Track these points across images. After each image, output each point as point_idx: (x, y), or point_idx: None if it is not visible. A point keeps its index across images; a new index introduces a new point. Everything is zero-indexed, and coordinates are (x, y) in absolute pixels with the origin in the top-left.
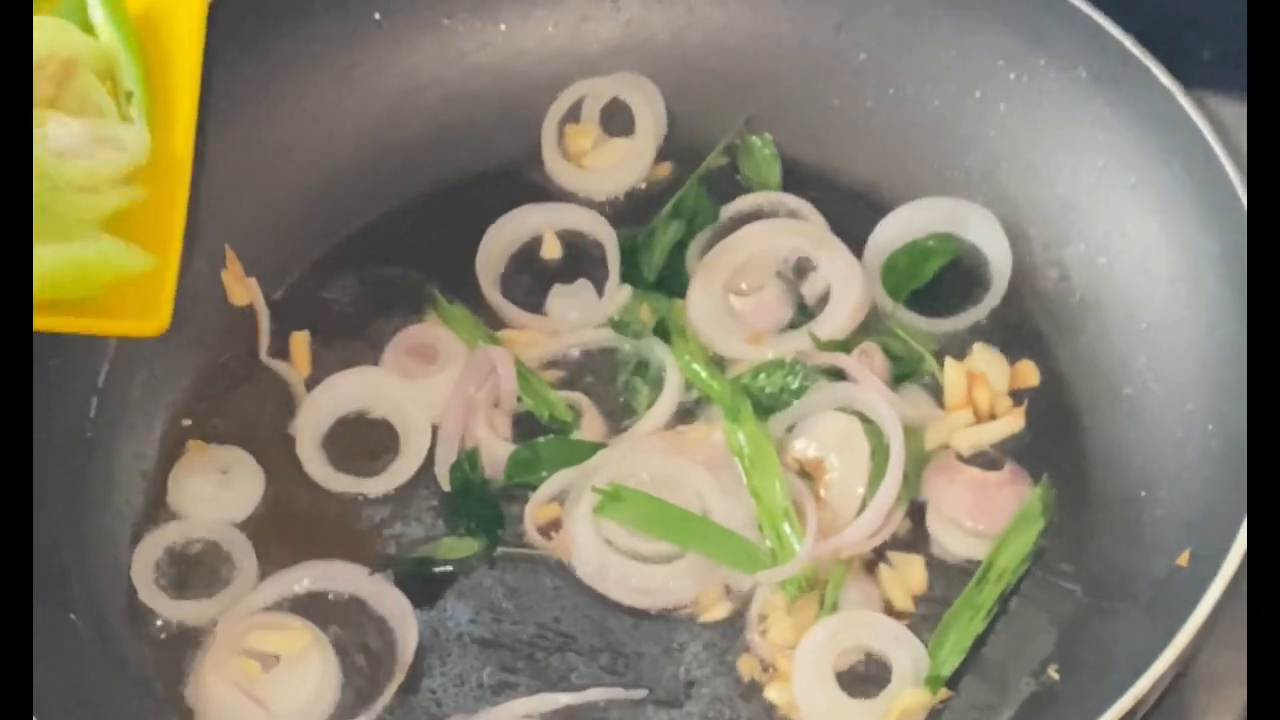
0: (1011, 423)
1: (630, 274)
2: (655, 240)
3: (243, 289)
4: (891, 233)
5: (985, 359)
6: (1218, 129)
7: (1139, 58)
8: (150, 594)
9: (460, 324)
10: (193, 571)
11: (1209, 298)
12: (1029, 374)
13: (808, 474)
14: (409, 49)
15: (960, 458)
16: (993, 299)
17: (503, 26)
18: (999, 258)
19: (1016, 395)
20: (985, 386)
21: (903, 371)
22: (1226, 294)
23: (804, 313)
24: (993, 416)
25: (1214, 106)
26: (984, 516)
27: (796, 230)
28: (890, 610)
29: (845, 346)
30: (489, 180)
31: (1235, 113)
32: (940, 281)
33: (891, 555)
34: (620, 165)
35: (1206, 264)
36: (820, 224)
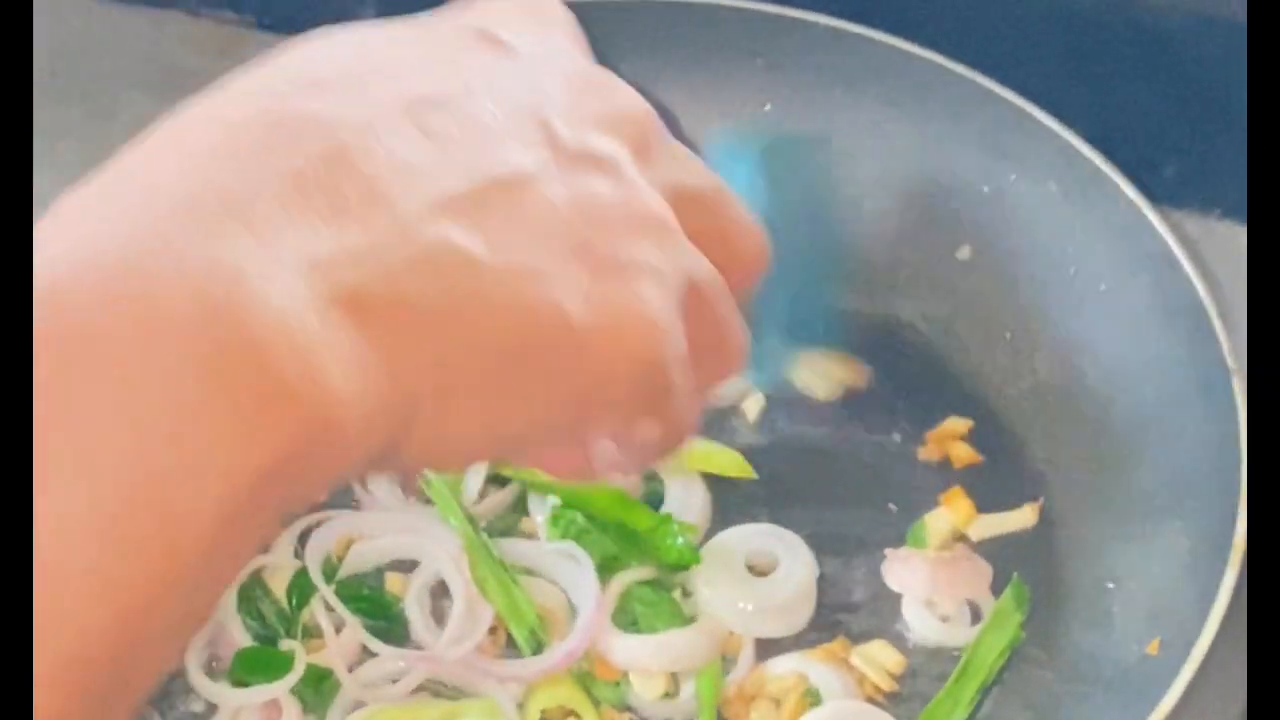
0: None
1: None
2: None
3: None
4: None
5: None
6: (1182, 241)
7: (1107, 173)
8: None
9: None
10: None
11: (1175, 399)
12: None
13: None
14: None
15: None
16: None
17: None
18: None
19: None
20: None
21: None
22: (1192, 395)
23: None
24: None
25: (1178, 220)
26: (949, 591)
27: None
28: (874, 693)
29: None
30: None
31: (1197, 226)
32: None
33: (860, 648)
34: None
35: (1174, 367)
36: None
